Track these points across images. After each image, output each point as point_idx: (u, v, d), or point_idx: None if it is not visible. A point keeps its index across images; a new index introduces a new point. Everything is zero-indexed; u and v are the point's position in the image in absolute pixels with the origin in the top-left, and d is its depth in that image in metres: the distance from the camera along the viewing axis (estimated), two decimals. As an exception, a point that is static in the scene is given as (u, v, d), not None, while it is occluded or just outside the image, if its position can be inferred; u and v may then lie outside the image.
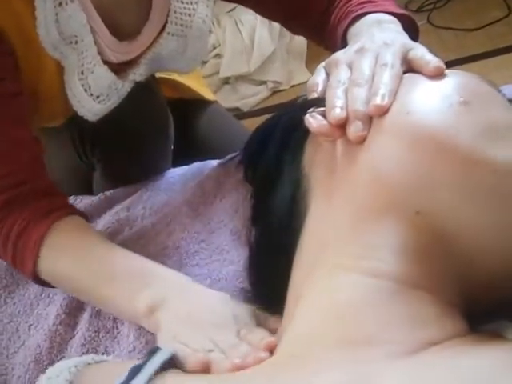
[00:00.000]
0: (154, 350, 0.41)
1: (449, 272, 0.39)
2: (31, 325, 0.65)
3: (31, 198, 0.62)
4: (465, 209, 0.38)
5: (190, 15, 0.70)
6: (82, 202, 0.79)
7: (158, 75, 0.93)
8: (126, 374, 0.38)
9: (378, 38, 0.51)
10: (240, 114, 1.84)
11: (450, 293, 0.39)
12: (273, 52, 1.92)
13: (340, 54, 0.50)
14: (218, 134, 1.02)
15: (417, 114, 0.41)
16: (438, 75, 0.44)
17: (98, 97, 0.67)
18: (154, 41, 0.70)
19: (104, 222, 0.74)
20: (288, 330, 0.42)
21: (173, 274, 0.58)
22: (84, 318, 0.63)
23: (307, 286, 0.42)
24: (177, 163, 0.86)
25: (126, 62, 0.69)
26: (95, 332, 0.62)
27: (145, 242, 0.69)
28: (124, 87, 0.70)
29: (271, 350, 0.43)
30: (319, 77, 0.50)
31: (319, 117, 0.45)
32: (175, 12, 0.69)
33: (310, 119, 0.45)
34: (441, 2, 2.08)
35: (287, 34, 1.91)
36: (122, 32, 0.66)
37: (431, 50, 0.47)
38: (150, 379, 0.38)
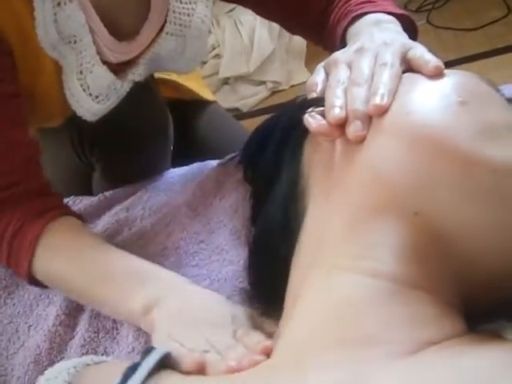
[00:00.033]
0: (148, 350, 0.41)
1: (447, 272, 0.39)
2: (31, 326, 0.65)
3: (24, 198, 0.62)
4: (464, 209, 0.38)
5: (188, 15, 0.70)
6: (81, 202, 0.79)
7: (157, 76, 0.93)
8: (121, 375, 0.38)
9: (378, 37, 0.51)
10: (239, 115, 1.85)
11: (448, 293, 0.39)
12: (272, 52, 1.92)
13: (339, 54, 0.50)
14: (218, 135, 1.02)
15: (416, 113, 0.41)
16: (437, 75, 0.44)
17: (96, 97, 0.67)
18: (153, 41, 0.70)
19: (103, 222, 0.74)
20: (286, 331, 0.42)
21: (169, 275, 0.58)
22: (83, 319, 0.63)
23: (305, 286, 0.42)
24: (176, 164, 0.86)
25: (124, 62, 0.69)
26: (95, 333, 0.62)
27: (144, 242, 0.69)
28: (123, 87, 0.70)
29: (267, 354, 0.42)
30: (318, 76, 0.50)
31: (318, 116, 0.45)
32: (174, 12, 0.69)
33: (309, 119, 0.45)
34: (440, 2, 2.08)
35: (286, 34, 1.91)
36: (121, 32, 0.66)
37: (430, 50, 0.47)
38: (145, 380, 0.37)
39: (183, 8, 0.69)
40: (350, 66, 0.47)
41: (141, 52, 0.70)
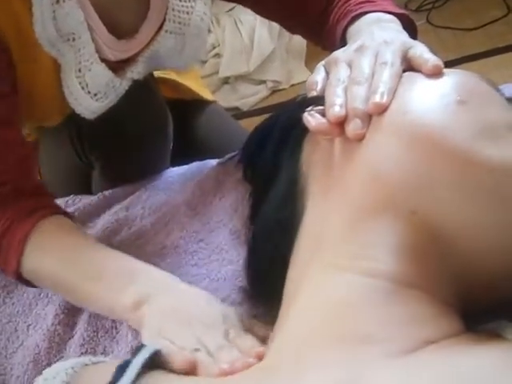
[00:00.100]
0: (139, 348, 0.41)
1: (446, 272, 0.39)
2: (30, 325, 0.65)
3: (15, 198, 0.62)
4: (464, 208, 0.38)
5: (187, 13, 0.70)
6: (81, 201, 0.79)
7: (157, 75, 0.93)
8: (112, 374, 0.38)
9: (378, 36, 0.51)
10: (239, 114, 1.85)
11: (446, 292, 0.39)
12: (272, 51, 1.92)
13: (340, 53, 0.50)
14: (217, 134, 1.02)
15: (415, 112, 0.41)
16: (436, 74, 0.44)
17: (95, 94, 0.66)
18: (152, 39, 0.70)
19: (103, 221, 0.74)
20: (282, 330, 0.41)
21: (161, 274, 0.58)
22: (83, 318, 0.63)
23: (303, 284, 0.42)
24: (176, 163, 0.86)
25: (123, 60, 0.69)
26: (94, 332, 0.62)
27: (144, 241, 0.69)
28: (122, 85, 0.70)
29: (260, 359, 0.42)
30: (319, 75, 0.50)
31: (318, 115, 0.45)
32: (173, 10, 0.69)
33: (309, 117, 0.45)
34: (440, 2, 2.08)
35: (287, 33, 1.90)
36: (120, 30, 0.66)
37: (431, 49, 0.47)
38: (135, 379, 0.37)
39: (182, 6, 0.69)
40: (350, 65, 0.47)
41: (140, 50, 0.70)
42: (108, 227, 0.73)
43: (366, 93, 0.43)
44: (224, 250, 0.65)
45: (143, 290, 0.54)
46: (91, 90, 0.66)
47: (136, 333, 0.58)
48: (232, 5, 1.74)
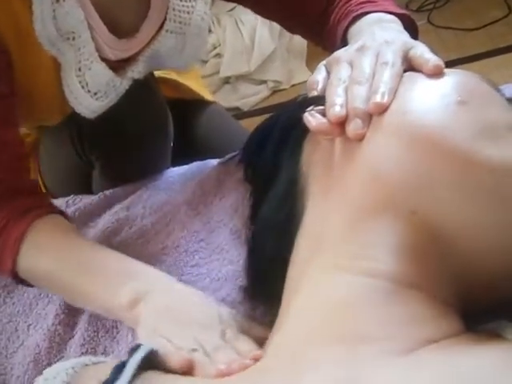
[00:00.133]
0: (134, 348, 0.41)
1: (446, 272, 0.39)
2: (30, 324, 0.65)
3: (10, 197, 0.62)
4: (464, 208, 0.38)
5: (188, 12, 0.70)
6: (81, 201, 0.78)
7: (157, 75, 0.93)
8: (108, 375, 0.38)
9: (379, 36, 0.51)
10: (240, 114, 1.85)
11: (446, 292, 0.39)
12: (273, 51, 1.92)
13: (341, 52, 0.50)
14: (218, 134, 1.02)
15: (415, 112, 0.41)
16: (437, 74, 0.44)
17: (95, 93, 0.66)
18: (153, 38, 0.70)
19: (104, 221, 0.74)
20: (282, 329, 0.41)
21: (157, 273, 0.57)
22: (83, 318, 0.63)
23: (303, 283, 0.42)
24: (176, 163, 0.86)
25: (124, 59, 0.69)
26: (94, 332, 0.62)
27: (144, 241, 0.69)
28: (122, 85, 0.70)
29: (257, 361, 0.42)
30: (319, 75, 0.50)
31: (318, 115, 0.45)
32: (174, 9, 0.69)
33: (309, 117, 0.45)
34: (441, 2, 2.08)
35: (287, 33, 1.90)
36: (121, 29, 0.66)
37: (432, 49, 0.47)
38: (131, 379, 0.37)
39: (183, 6, 0.69)
40: (351, 65, 0.47)
41: (140, 49, 0.70)
42: (109, 227, 0.73)
43: (367, 93, 0.43)
44: (225, 249, 0.65)
45: (139, 289, 0.54)
46: (91, 89, 0.66)
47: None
48: (233, 5, 1.74)
